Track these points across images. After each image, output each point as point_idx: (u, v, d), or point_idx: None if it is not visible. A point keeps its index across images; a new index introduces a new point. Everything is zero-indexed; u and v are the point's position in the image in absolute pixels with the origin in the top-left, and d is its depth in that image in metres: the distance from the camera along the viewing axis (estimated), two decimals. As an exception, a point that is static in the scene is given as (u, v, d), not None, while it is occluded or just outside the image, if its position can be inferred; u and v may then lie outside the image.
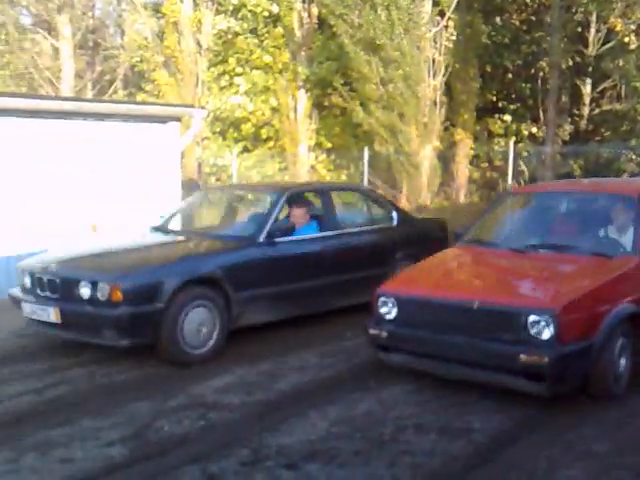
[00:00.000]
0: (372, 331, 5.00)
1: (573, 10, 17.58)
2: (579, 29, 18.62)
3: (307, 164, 19.18)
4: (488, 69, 18.65)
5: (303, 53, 19.06)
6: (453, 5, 15.65)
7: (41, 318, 5.62)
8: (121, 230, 7.79)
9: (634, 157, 15.77)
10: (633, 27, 15.30)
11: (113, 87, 22.85)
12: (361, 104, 16.32)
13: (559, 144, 17.56)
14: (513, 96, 19.63)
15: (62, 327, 5.56)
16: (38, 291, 5.70)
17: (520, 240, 5.47)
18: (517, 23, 19.41)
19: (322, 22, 18.56)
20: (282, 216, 6.73)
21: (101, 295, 5.25)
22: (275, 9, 19.36)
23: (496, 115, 19.23)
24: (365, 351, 5.46)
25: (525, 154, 16.51)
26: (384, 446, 3.96)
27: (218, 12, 19.84)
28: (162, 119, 9.77)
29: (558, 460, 3.76)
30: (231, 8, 19.98)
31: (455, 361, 4.62)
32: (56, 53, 22.09)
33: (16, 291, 6.03)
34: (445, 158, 16.55)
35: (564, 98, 19.06)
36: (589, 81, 19.29)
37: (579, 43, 18.71)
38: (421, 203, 15.49)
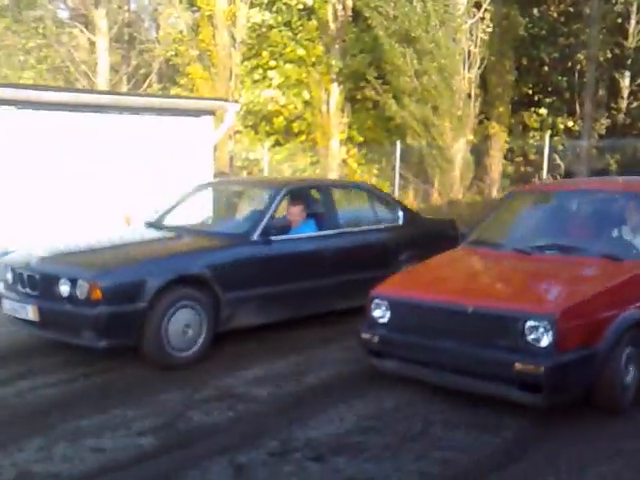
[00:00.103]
0: (364, 335, 4.72)
1: (613, 1, 17.25)
2: (619, 20, 18.28)
3: (338, 158, 19.17)
4: (524, 62, 18.44)
5: (337, 46, 19.04)
6: (489, -4, 15.52)
7: (20, 316, 5.36)
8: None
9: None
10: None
11: (148, 81, 23.06)
12: (394, 97, 16.25)
13: (595, 138, 17.31)
14: (549, 89, 19.37)
15: (41, 326, 5.30)
16: (19, 287, 5.40)
17: (525, 241, 5.16)
18: (555, 15, 19.16)
19: (357, 14, 18.50)
20: (281, 213, 6.40)
21: (80, 293, 4.97)
22: (310, 1, 19.37)
23: (532, 108, 19.00)
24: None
25: (560, 148, 16.28)
26: (413, 441, 3.94)
27: (253, 5, 19.88)
28: (196, 113, 9.82)
29: (588, 456, 3.71)
30: (266, 1, 20.05)
31: (448, 369, 4.34)
32: (92, 47, 22.37)
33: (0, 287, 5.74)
34: (479, 152, 16.41)
35: (601, 91, 18.76)
36: (628, 74, 18.96)
37: (618, 35, 18.37)
38: (453, 197, 15.36)
